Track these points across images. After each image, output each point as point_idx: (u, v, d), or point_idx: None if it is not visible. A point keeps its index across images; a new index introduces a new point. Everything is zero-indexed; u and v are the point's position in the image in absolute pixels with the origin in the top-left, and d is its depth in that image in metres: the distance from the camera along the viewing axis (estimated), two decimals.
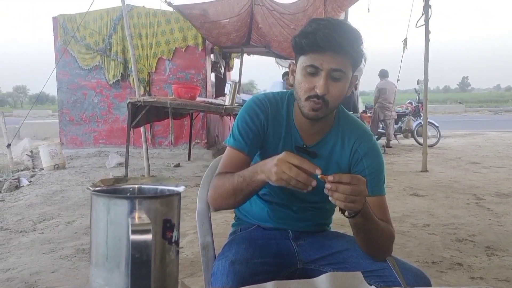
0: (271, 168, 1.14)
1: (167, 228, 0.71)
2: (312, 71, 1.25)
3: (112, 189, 0.74)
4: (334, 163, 1.40)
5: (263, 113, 1.39)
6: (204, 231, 1.63)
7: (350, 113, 1.52)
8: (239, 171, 1.33)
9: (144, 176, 5.35)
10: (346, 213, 1.19)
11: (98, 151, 8.45)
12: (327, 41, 1.20)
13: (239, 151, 1.38)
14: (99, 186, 0.73)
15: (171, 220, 0.72)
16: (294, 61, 1.34)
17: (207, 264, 1.59)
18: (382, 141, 10.10)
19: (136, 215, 0.68)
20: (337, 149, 1.41)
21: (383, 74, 10.17)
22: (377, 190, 1.36)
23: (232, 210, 1.60)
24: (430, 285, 1.28)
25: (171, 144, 6.41)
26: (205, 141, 8.33)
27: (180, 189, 0.76)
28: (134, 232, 0.65)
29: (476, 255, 3.27)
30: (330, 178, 1.10)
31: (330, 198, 1.13)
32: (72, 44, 8.36)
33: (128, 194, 0.78)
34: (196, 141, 8.19)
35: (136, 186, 0.77)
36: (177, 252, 0.75)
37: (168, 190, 0.75)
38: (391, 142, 10.13)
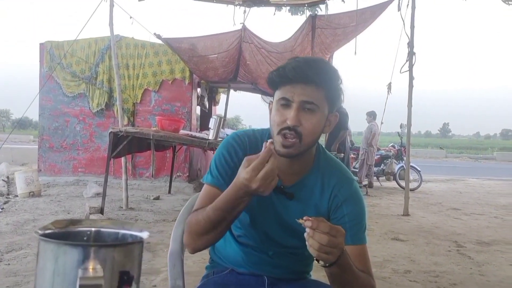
0: (243, 182, 1.13)
1: (124, 282, 0.63)
2: (284, 104, 1.22)
3: (64, 233, 0.66)
4: (312, 207, 1.34)
5: (241, 149, 1.34)
6: (175, 274, 1.54)
7: (341, 154, 1.47)
8: None
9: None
10: (320, 262, 1.12)
11: (76, 180, 8.25)
12: (295, 72, 1.19)
13: (216, 188, 1.31)
14: (49, 229, 0.65)
15: (129, 272, 0.64)
16: (273, 98, 1.30)
17: None
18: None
19: (88, 266, 0.60)
20: (316, 192, 1.34)
21: (374, 116, 10.28)
22: (357, 239, 1.30)
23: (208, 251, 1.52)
24: None
25: (152, 176, 6.28)
26: (187, 174, 8.21)
27: (143, 235, 0.68)
28: (82, 286, 0.57)
29: None
30: (308, 223, 1.04)
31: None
32: (57, 71, 8.29)
33: (85, 238, 0.70)
34: (178, 174, 8.07)
35: (94, 229, 0.69)
36: None
37: (130, 236, 0.67)
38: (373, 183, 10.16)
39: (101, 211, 5.19)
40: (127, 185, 5.94)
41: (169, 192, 7.39)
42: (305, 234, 1.05)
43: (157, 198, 6.90)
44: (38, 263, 0.61)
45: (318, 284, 1.45)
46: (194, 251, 1.38)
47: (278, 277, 1.41)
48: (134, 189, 7.60)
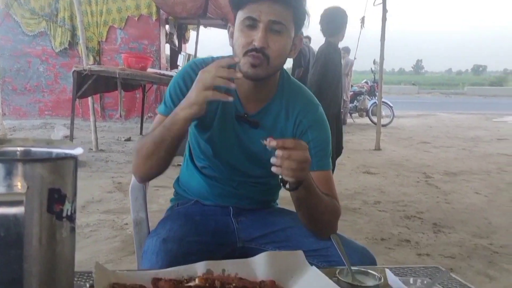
0: (191, 93, 1.09)
1: (55, 200, 0.57)
2: (250, 24, 1.14)
3: None
4: (277, 134, 1.28)
5: None
6: (138, 206, 1.49)
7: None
8: None
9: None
10: (287, 186, 1.09)
11: (43, 123, 8.01)
12: None
13: (166, 117, 1.22)
14: None
15: (61, 190, 0.57)
16: (233, 22, 1.20)
17: (140, 242, 1.46)
18: None
19: (12, 182, 0.53)
20: (281, 118, 1.28)
21: (347, 51, 10.12)
22: (322, 165, 1.25)
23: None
24: (375, 264, 1.21)
25: (120, 116, 6.12)
26: None
27: (76, 152, 0.60)
28: (2, 203, 0.49)
29: (423, 232, 3.30)
30: (273, 143, 1.00)
31: (274, 168, 1.02)
32: (15, 8, 7.78)
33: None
34: (149, 114, 7.89)
35: (21, 148, 0.61)
36: (72, 229, 0.61)
37: (57, 154, 0.59)
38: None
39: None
40: (95, 126, 5.78)
41: (141, 133, 7.24)
42: (279, 156, 0.99)
43: (128, 139, 6.77)
44: None
45: (282, 211, 1.42)
46: (142, 179, 1.34)
47: (244, 207, 1.38)
48: (104, 131, 7.43)
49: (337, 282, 0.91)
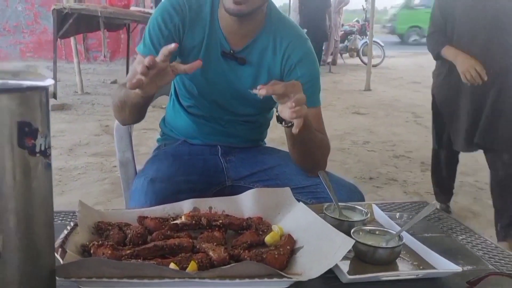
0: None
1: (26, 134, 0.53)
2: None
3: None
4: (265, 71, 1.23)
5: (178, 15, 1.18)
6: (123, 146, 1.46)
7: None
8: None
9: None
10: (284, 123, 1.07)
11: (26, 65, 7.77)
12: None
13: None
14: None
15: (31, 124, 0.54)
16: None
17: (127, 183, 1.44)
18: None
19: None
20: (268, 54, 1.23)
21: None
22: (312, 101, 1.22)
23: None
24: (363, 200, 1.21)
25: (105, 57, 5.95)
26: None
27: (46, 83, 0.56)
28: None
29: (411, 170, 3.35)
30: (263, 91, 0.96)
31: (287, 114, 0.99)
32: None
33: None
34: (134, 56, 7.67)
35: None
36: (48, 165, 0.57)
37: (26, 85, 0.55)
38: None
39: (54, 96, 4.96)
40: (79, 68, 5.64)
41: (127, 74, 7.10)
42: (288, 105, 0.97)
43: (114, 81, 6.64)
44: None
45: (271, 150, 1.41)
46: (123, 124, 1.33)
47: (232, 146, 1.36)
48: (89, 74, 7.26)
49: (324, 217, 0.91)
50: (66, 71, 7.18)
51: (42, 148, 0.56)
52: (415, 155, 3.70)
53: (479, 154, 3.71)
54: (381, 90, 7.02)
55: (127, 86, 0.97)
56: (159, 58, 0.92)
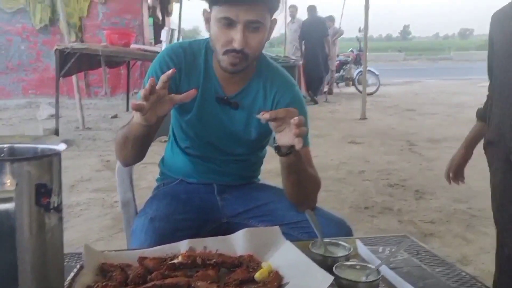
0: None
1: (42, 194, 0.62)
2: (228, 23, 1.16)
3: None
4: (256, 113, 1.34)
5: (174, 62, 1.28)
6: (125, 188, 1.54)
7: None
8: None
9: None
10: (282, 150, 1.15)
11: (28, 102, 7.94)
12: None
13: None
14: None
15: (47, 185, 0.63)
16: (208, 8, 1.23)
17: (128, 221, 1.52)
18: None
19: (1, 180, 0.58)
20: (259, 98, 1.33)
21: (332, 20, 9.99)
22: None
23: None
24: (351, 234, 1.29)
25: (106, 94, 6.10)
26: None
27: (60, 148, 0.66)
28: None
29: (405, 199, 3.42)
30: (266, 115, 1.08)
31: (287, 137, 1.09)
32: None
33: (2, 155, 0.67)
34: (135, 90, 7.85)
35: (7, 146, 0.66)
36: (60, 219, 0.67)
37: (49, 150, 0.65)
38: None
39: (56, 132, 5.08)
40: (81, 104, 5.77)
41: (127, 109, 7.23)
42: (291, 125, 1.05)
43: (115, 116, 6.77)
44: None
45: (264, 186, 1.49)
46: (124, 165, 1.40)
47: (227, 184, 1.44)
48: (90, 109, 7.41)
49: (310, 253, 0.99)
50: (68, 106, 7.33)
51: (56, 205, 0.65)
52: (409, 183, 3.78)
53: (472, 181, 3.80)
54: (376, 118, 7.15)
55: (130, 107, 1.09)
56: (158, 85, 1.04)
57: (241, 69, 1.23)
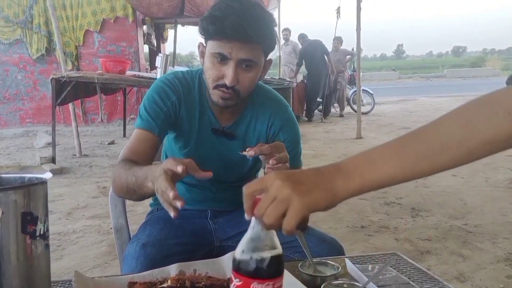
0: (154, 179, 1.01)
1: (28, 222, 0.64)
2: (221, 59, 1.18)
3: None
4: (253, 140, 1.36)
5: (174, 93, 1.30)
6: (117, 213, 1.56)
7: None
8: (146, 155, 1.26)
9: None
10: None
11: (25, 131, 7.98)
12: (235, 31, 1.12)
13: (148, 132, 1.27)
14: None
15: (33, 213, 0.65)
16: (204, 43, 1.25)
17: (122, 247, 1.53)
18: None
19: None
20: (253, 125, 1.35)
21: (341, 41, 10.21)
22: (294, 163, 1.33)
23: None
24: (343, 253, 1.29)
25: (102, 121, 6.13)
26: None
27: (46, 176, 0.68)
28: None
29: (402, 217, 3.42)
30: (251, 152, 1.08)
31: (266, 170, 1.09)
32: None
33: None
34: (131, 116, 7.91)
35: None
36: (46, 246, 0.68)
37: (36, 179, 0.67)
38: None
39: (52, 160, 5.09)
40: (77, 132, 5.80)
41: (124, 135, 7.28)
42: (270, 163, 1.06)
43: (112, 142, 6.80)
44: None
45: None
46: (121, 197, 1.40)
47: (221, 209, 1.46)
48: (87, 136, 7.44)
49: (299, 273, 1.00)
50: (65, 134, 7.37)
51: (41, 232, 0.67)
52: (405, 201, 3.79)
53: (468, 197, 3.82)
54: (372, 137, 7.19)
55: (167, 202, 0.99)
56: (180, 170, 1.00)
57: (232, 104, 1.24)
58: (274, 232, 0.74)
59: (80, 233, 3.21)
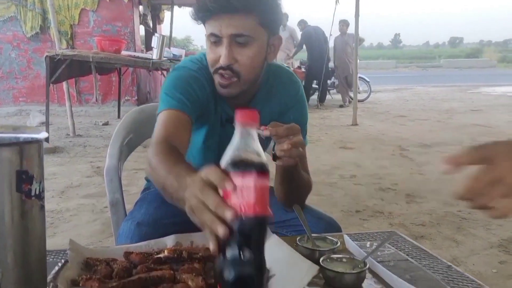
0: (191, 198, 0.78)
1: (23, 181, 0.62)
2: (215, 40, 1.12)
3: None
4: (267, 119, 1.32)
5: (208, 85, 1.21)
6: (113, 188, 1.53)
7: None
8: (183, 139, 1.15)
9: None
10: (279, 160, 1.09)
11: (19, 110, 7.90)
12: (214, 3, 1.06)
13: (181, 112, 1.14)
14: None
15: (28, 172, 0.62)
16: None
17: (117, 223, 1.50)
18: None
19: None
20: (266, 104, 1.30)
21: (347, 24, 10.12)
22: None
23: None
24: (340, 232, 1.28)
25: (97, 100, 6.08)
26: (136, 97, 8.01)
27: (41, 136, 0.65)
28: None
29: (396, 202, 3.43)
30: (267, 132, 0.99)
31: (280, 153, 1.03)
32: None
33: None
34: (126, 98, 7.86)
35: None
36: (41, 207, 0.66)
37: (24, 138, 0.64)
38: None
39: (46, 139, 5.04)
40: (71, 111, 5.74)
41: (119, 116, 7.21)
42: (285, 147, 1.01)
43: (106, 123, 6.75)
44: None
45: None
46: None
47: None
48: (81, 116, 7.38)
49: (297, 247, 0.98)
50: (58, 114, 7.30)
51: (37, 192, 0.64)
52: (400, 187, 3.79)
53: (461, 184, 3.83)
54: (368, 124, 7.19)
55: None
56: None
57: (235, 92, 1.17)
58: (258, 142, 0.70)
59: (73, 211, 3.19)
